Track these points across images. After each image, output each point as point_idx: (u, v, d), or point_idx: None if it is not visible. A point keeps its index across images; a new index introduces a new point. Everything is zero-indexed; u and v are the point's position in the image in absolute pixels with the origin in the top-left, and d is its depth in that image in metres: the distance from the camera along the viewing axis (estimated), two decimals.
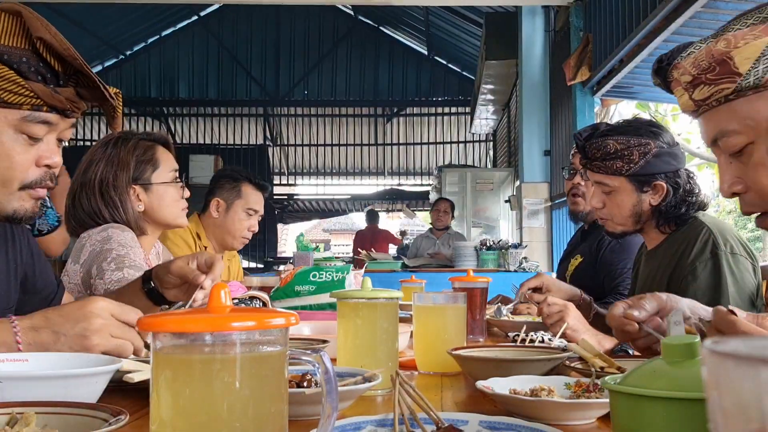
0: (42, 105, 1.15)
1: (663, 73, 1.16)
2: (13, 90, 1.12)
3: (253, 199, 2.92)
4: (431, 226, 7.35)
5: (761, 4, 1.02)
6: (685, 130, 8.26)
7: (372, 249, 7.42)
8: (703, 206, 1.93)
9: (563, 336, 1.62)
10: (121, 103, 1.27)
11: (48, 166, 1.22)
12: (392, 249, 9.45)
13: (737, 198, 1.10)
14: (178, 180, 2.10)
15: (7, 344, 1.05)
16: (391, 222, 16.50)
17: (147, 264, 2.12)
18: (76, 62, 1.14)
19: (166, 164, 2.08)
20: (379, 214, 10.90)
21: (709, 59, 1.03)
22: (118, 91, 1.27)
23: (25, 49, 1.11)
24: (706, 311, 1.25)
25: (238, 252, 3.20)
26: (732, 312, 1.07)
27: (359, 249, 7.36)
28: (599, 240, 2.58)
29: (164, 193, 2.05)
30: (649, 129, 1.90)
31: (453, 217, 7.30)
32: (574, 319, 1.67)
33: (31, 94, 1.13)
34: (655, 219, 1.93)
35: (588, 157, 1.95)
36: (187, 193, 2.13)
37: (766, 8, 1.01)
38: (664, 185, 1.89)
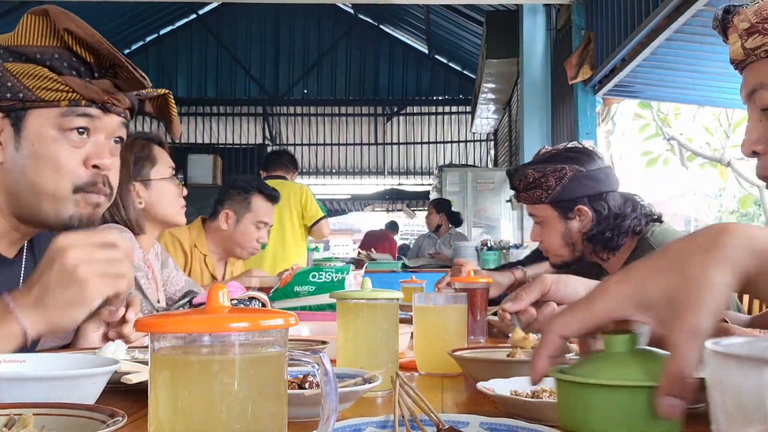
0: (79, 99, 1.16)
1: (725, 21, 1.16)
2: (49, 87, 1.12)
3: (263, 211, 2.89)
4: None
5: None
6: (686, 129, 8.25)
7: (372, 249, 7.42)
8: (655, 220, 1.92)
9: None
10: (173, 103, 1.31)
11: (97, 167, 1.21)
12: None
13: (757, 159, 1.09)
14: (176, 176, 2.12)
15: (4, 315, 1.00)
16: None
17: (147, 265, 2.12)
18: (103, 47, 1.14)
19: (163, 162, 2.09)
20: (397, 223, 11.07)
21: None
22: (167, 91, 1.29)
23: (55, 46, 1.12)
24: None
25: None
26: (723, 320, 1.06)
27: (364, 250, 7.36)
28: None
29: (163, 189, 2.06)
30: (567, 155, 1.94)
31: (448, 217, 7.17)
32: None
33: (67, 88, 1.13)
34: (591, 246, 1.93)
35: (516, 189, 2.01)
36: (184, 191, 2.14)
37: None
38: (587, 209, 1.89)
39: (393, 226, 10.50)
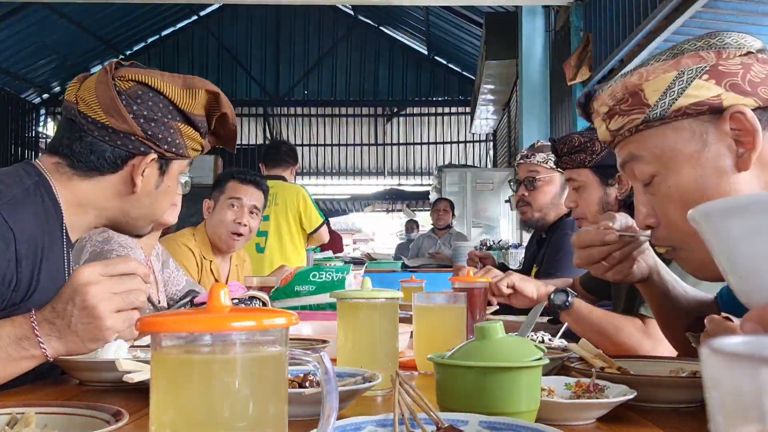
0: (199, 153, 1.45)
1: (587, 107, 1.20)
2: (196, 147, 1.41)
3: (234, 188, 2.88)
4: (432, 226, 7.36)
5: (676, 44, 1.06)
6: None
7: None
8: None
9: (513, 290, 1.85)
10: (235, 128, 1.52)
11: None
12: (392, 250, 9.45)
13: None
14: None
15: (29, 339, 1.08)
16: (391, 222, 16.51)
17: (148, 266, 2.12)
18: (233, 128, 1.45)
19: None
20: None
21: (624, 91, 1.06)
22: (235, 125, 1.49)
23: (204, 114, 1.39)
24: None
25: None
26: (728, 318, 1.07)
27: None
28: (546, 243, 2.62)
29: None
30: None
31: (454, 215, 7.31)
32: (518, 277, 1.89)
33: (200, 147, 1.42)
34: (627, 212, 1.95)
35: (558, 154, 2.05)
36: (180, 190, 2.12)
37: (678, 46, 1.05)
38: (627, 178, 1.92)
39: (413, 224, 10.49)
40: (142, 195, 1.38)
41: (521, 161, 2.68)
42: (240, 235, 2.83)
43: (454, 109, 13.78)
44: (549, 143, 2.30)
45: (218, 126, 1.44)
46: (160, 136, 1.34)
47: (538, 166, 2.60)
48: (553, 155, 2.15)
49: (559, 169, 2.37)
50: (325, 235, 4.38)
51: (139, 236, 1.51)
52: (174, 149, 1.36)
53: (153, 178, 1.38)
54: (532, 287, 1.87)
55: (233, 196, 2.86)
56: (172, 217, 2.10)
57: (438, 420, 0.80)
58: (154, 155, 1.35)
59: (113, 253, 1.84)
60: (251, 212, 2.87)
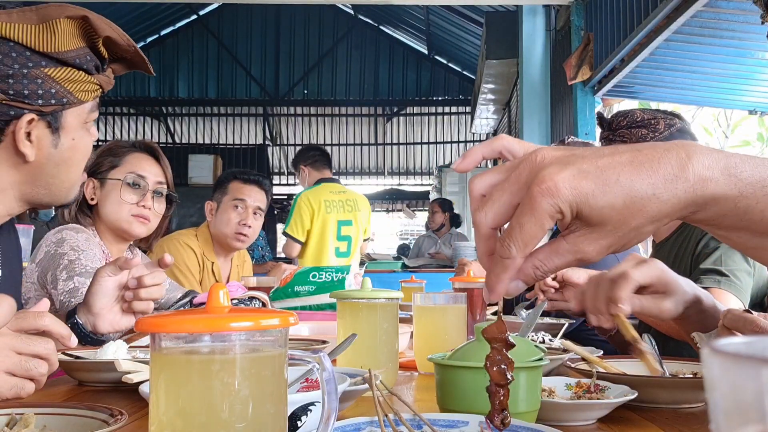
0: (100, 92, 1.25)
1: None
2: (87, 89, 1.21)
3: (237, 189, 2.90)
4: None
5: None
6: None
7: None
8: None
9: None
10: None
11: (95, 148, 1.33)
12: (392, 250, 9.46)
13: None
14: (136, 185, 2.01)
15: None
16: (391, 222, 16.50)
17: (107, 261, 2.10)
18: (132, 49, 1.23)
19: (131, 167, 2.03)
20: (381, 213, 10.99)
21: None
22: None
23: (84, 47, 1.18)
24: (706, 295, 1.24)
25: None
26: (747, 310, 1.06)
27: None
28: None
29: (112, 190, 2.01)
30: (673, 113, 1.98)
31: (451, 216, 7.25)
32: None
33: (97, 86, 1.22)
34: None
35: (612, 128, 1.96)
36: (149, 202, 2.02)
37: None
38: None
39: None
40: (42, 160, 1.21)
41: None
42: (245, 236, 2.85)
43: (454, 109, 13.77)
44: (579, 140, 2.19)
45: (113, 51, 1.23)
46: (26, 92, 1.14)
47: None
48: (600, 131, 2.02)
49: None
50: (365, 249, 4.55)
51: (65, 205, 1.37)
52: (53, 101, 1.17)
53: (45, 139, 1.20)
54: (583, 274, 1.71)
55: (237, 197, 2.87)
56: (140, 229, 2.04)
57: (407, 425, 0.80)
58: (30, 115, 1.16)
59: (65, 258, 1.81)
60: (255, 213, 2.89)
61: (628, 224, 0.54)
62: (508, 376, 0.66)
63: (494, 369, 0.66)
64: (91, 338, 1.38)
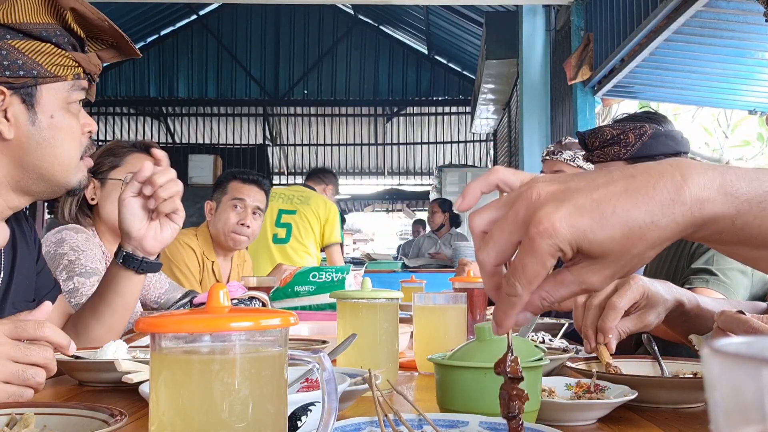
0: (81, 72, 1.22)
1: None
2: (60, 63, 1.18)
3: (236, 188, 2.91)
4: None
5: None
6: (685, 130, 8.23)
7: None
8: None
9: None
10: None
11: (89, 133, 1.29)
12: (392, 250, 9.46)
13: None
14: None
15: None
16: (391, 222, 16.51)
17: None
18: (105, 24, 1.20)
19: (131, 167, 2.03)
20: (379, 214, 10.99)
21: None
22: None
23: (54, 23, 1.16)
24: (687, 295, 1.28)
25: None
26: (740, 311, 1.06)
27: None
28: None
29: (113, 191, 2.01)
30: (645, 115, 1.94)
31: (451, 216, 7.24)
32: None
33: (74, 63, 1.19)
34: None
35: (588, 148, 1.97)
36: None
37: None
38: None
39: (420, 223, 10.53)
40: (22, 138, 1.19)
41: (547, 157, 2.60)
42: (244, 235, 2.86)
43: (454, 109, 13.77)
44: (576, 139, 2.20)
45: (90, 30, 1.21)
46: None
47: (564, 165, 2.53)
48: (581, 151, 2.05)
49: (589, 164, 2.27)
50: (337, 257, 4.43)
51: (71, 192, 1.30)
52: (21, 72, 1.14)
53: (21, 115, 1.18)
54: None
55: (236, 197, 2.88)
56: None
57: (404, 421, 0.80)
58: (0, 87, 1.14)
59: (64, 258, 1.82)
60: (254, 213, 2.89)
61: (630, 252, 0.54)
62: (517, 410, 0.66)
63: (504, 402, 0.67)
64: (147, 263, 1.39)
